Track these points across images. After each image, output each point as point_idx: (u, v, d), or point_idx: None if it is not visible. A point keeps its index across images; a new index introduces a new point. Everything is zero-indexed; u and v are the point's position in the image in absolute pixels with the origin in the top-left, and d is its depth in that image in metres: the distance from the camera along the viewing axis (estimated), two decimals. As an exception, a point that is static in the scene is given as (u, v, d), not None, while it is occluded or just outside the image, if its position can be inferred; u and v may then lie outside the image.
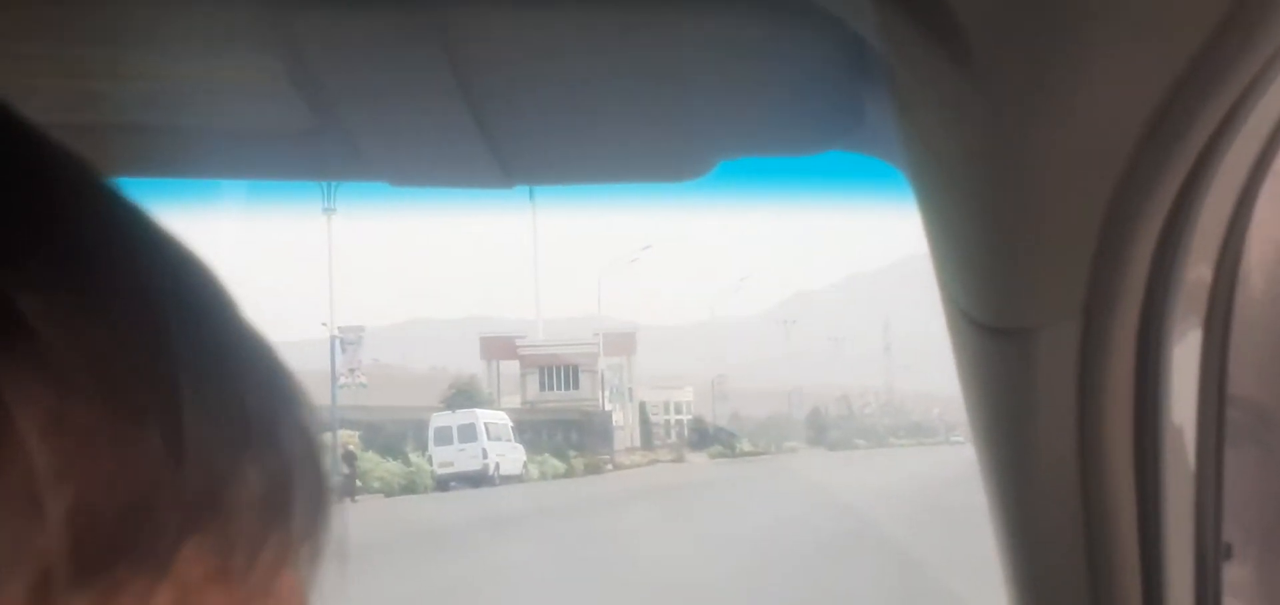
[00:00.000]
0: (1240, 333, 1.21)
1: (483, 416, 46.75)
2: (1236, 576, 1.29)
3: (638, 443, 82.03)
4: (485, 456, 43.29)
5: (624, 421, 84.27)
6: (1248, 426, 1.32)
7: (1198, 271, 1.16)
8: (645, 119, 1.32)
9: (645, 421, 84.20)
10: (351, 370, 44.43)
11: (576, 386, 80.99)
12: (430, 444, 44.73)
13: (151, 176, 1.42)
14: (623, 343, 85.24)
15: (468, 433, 43.98)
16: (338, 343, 43.87)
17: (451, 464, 43.43)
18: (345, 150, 1.35)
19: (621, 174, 1.49)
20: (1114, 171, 1.06)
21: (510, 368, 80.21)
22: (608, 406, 78.23)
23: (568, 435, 63.21)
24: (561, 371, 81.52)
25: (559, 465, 48.67)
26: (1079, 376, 1.17)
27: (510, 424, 47.79)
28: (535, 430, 59.75)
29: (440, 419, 46.16)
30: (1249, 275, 1.29)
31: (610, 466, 53.15)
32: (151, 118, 1.37)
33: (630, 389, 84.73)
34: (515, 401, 76.27)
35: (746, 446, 71.18)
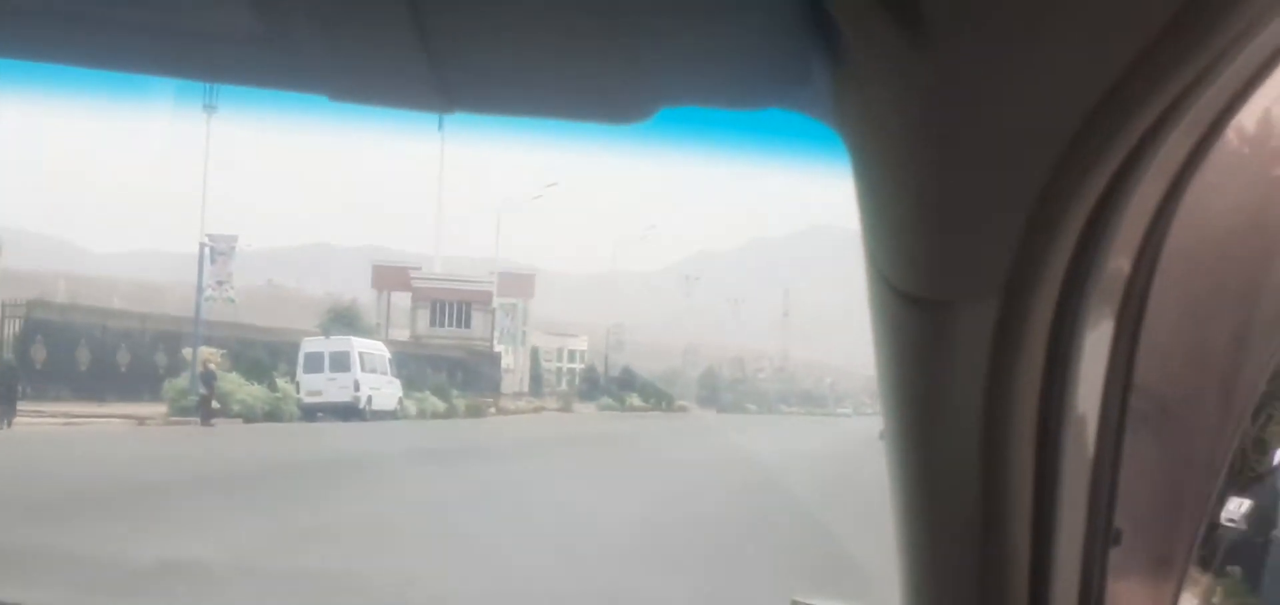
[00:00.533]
0: (1151, 321, 1.24)
1: (358, 345, 43.58)
2: (1122, 560, 1.29)
3: (526, 389, 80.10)
4: (357, 389, 40.37)
5: (514, 365, 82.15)
6: (1146, 415, 1.32)
7: (1118, 263, 1.20)
8: (592, 57, 1.32)
9: (537, 368, 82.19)
10: (220, 283, 41.74)
11: (469, 325, 78.68)
12: (299, 370, 41.24)
13: (93, 68, 1.43)
14: (520, 284, 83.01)
15: (340, 361, 40.86)
16: (207, 251, 41.06)
17: (320, 393, 40.11)
18: (289, 60, 1.36)
19: (563, 110, 1.47)
20: (1049, 157, 1.11)
21: (403, 301, 77.82)
22: (497, 348, 76.06)
23: (453, 374, 60.98)
24: (454, 308, 79.12)
25: (439, 405, 46.44)
26: (992, 354, 1.20)
27: (388, 356, 44.63)
28: (419, 366, 57.47)
29: (311, 344, 42.70)
30: (1169, 262, 1.26)
31: (494, 411, 51.06)
32: (96, 8, 1.33)
33: (524, 332, 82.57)
34: (404, 335, 73.90)
35: (636, 401, 69.37)
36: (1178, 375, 1.42)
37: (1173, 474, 1.47)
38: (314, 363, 40.64)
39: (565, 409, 58.69)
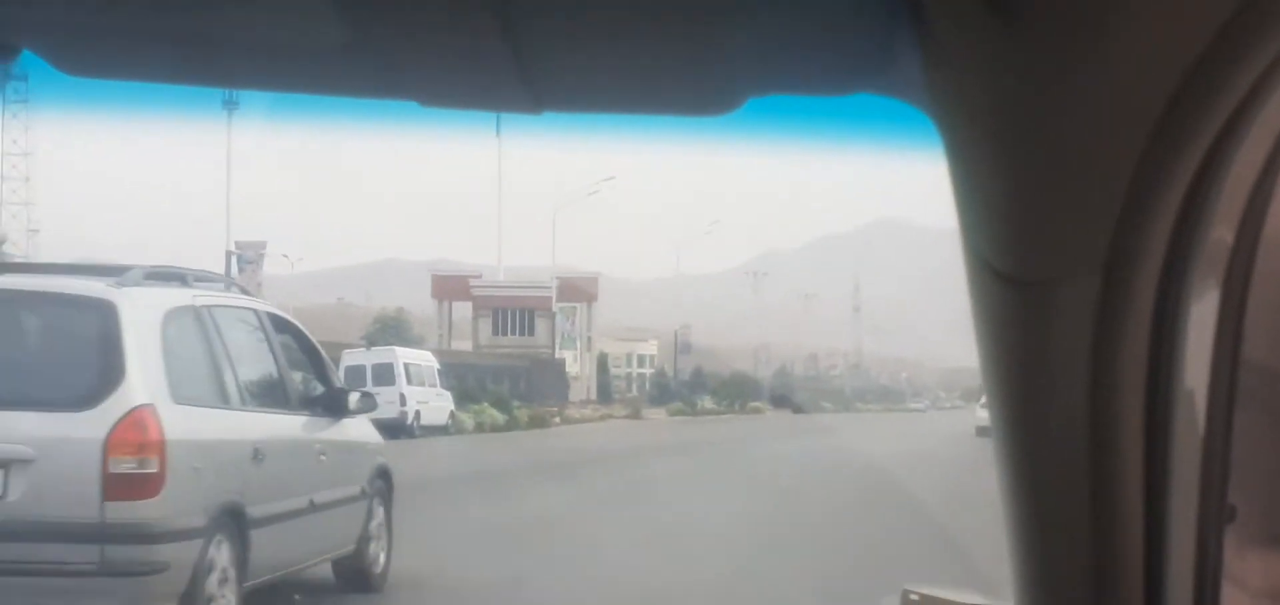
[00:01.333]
0: (1257, 290, 1.21)
1: (402, 356, 39.68)
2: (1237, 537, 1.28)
3: (593, 396, 76.93)
4: (403, 403, 36.44)
5: (581, 372, 78.97)
6: (1255, 388, 1.30)
7: (1220, 233, 1.18)
8: (678, 51, 1.32)
9: (604, 373, 78.84)
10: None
11: (531, 332, 75.58)
12: None
13: (185, 84, 1.43)
14: (583, 288, 79.36)
15: (383, 374, 36.66)
16: (234, 261, 37.42)
17: None
18: (379, 68, 1.37)
19: (651, 105, 1.47)
20: (1144, 129, 1.10)
21: (464, 311, 74.75)
22: (561, 354, 72.73)
23: (516, 384, 57.49)
24: (516, 315, 76.01)
25: (499, 417, 42.92)
26: (1095, 332, 1.18)
27: (437, 367, 40.78)
28: (481, 376, 54.37)
29: (352, 357, 38.54)
30: (1273, 230, 1.26)
31: (558, 420, 47.58)
32: (186, 24, 1.35)
33: (589, 338, 79.26)
34: (466, 345, 70.51)
35: (708, 404, 65.70)
36: None
37: None
38: (355, 377, 35.80)
39: (634, 416, 55.18)
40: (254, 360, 10.09)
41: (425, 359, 40.00)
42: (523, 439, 38.17)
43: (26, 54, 1.41)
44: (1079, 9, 1.06)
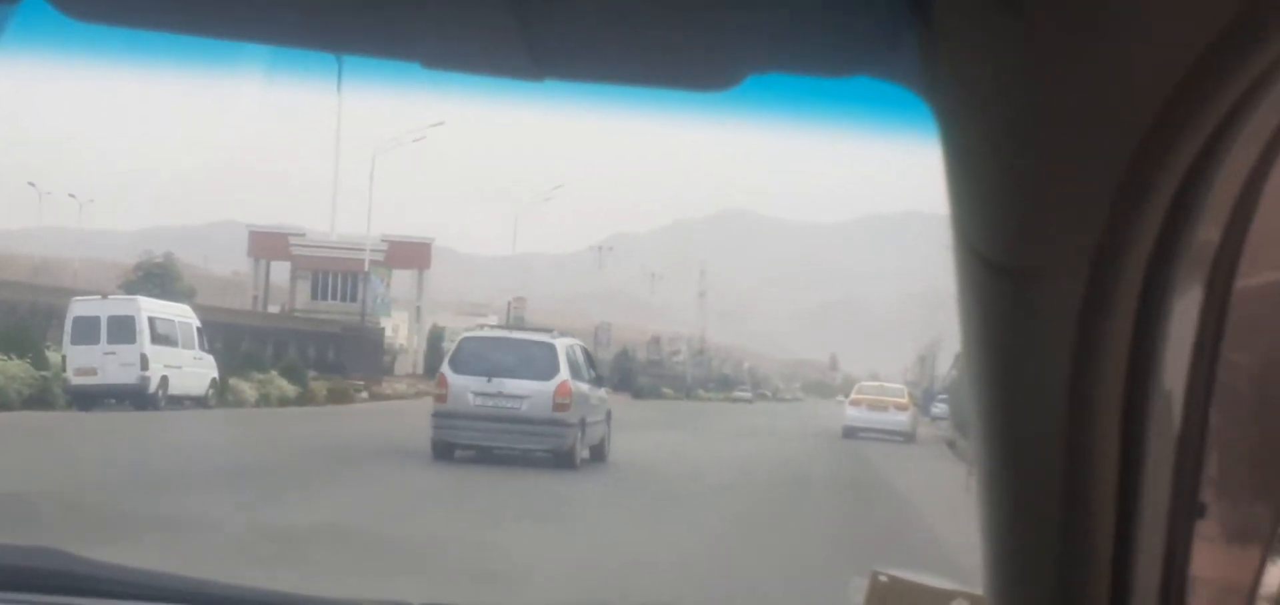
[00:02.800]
0: (1240, 292, 1.23)
1: (147, 308, 31.15)
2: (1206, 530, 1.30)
3: (420, 370, 70.55)
4: (145, 366, 28.97)
5: (408, 344, 72.54)
6: (1233, 387, 1.31)
7: (1207, 233, 1.18)
8: (682, 24, 1.32)
9: (435, 348, 72.46)
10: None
11: (354, 298, 68.74)
12: (66, 341, 29.44)
13: (188, 34, 1.43)
14: (414, 254, 72.59)
15: (121, 329, 28.93)
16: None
17: (93, 372, 28.68)
18: (382, 27, 1.36)
19: (652, 78, 1.46)
20: (1139, 125, 1.10)
21: (284, 272, 67.88)
22: (382, 323, 66.17)
23: (324, 353, 50.86)
24: (339, 279, 69.19)
25: (288, 389, 36.50)
26: (1078, 324, 1.19)
27: (195, 324, 32.63)
28: (284, 342, 47.88)
29: (83, 306, 30.43)
30: (1259, 233, 1.27)
31: (366, 396, 41.40)
32: None
33: (419, 307, 72.78)
34: (275, 308, 63.54)
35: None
36: (1265, 348, 1.40)
37: (1259, 447, 1.45)
38: (85, 331, 28.89)
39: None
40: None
41: (181, 313, 31.95)
42: (307, 418, 31.65)
43: None
44: (1080, 3, 1.07)
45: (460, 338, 24.77)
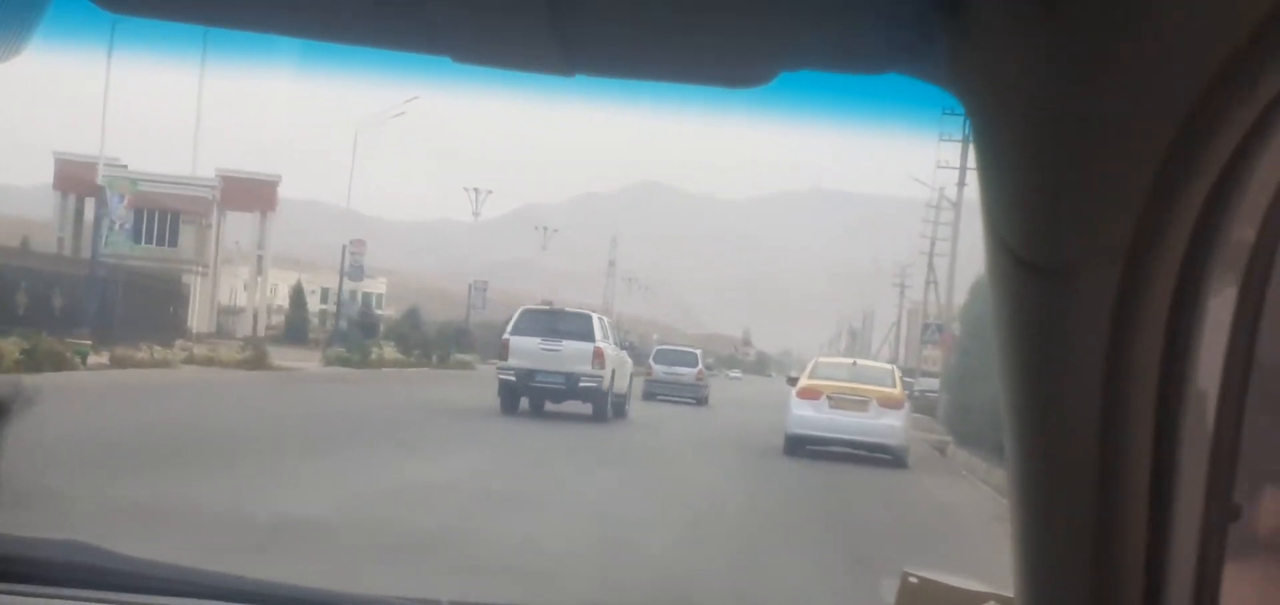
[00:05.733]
0: (1275, 291, 1.20)
1: None
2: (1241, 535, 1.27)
3: (261, 331, 56.39)
4: None
5: (246, 303, 58.40)
6: (1267, 388, 1.28)
7: (1241, 232, 1.16)
8: (714, 21, 1.29)
9: (300, 308, 58.20)
10: None
11: (174, 243, 54.01)
12: None
13: (220, 26, 1.39)
14: (256, 193, 57.54)
15: None
16: None
17: None
18: (414, 21, 1.33)
19: (684, 74, 1.43)
20: (1172, 123, 1.08)
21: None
22: (196, 274, 51.71)
23: (83, 306, 36.57)
24: (155, 218, 54.24)
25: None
26: (1111, 322, 1.15)
27: None
28: (48, 293, 34.07)
29: None
30: None
31: (109, 363, 28.94)
32: None
33: (261, 257, 58.28)
34: (48, 247, 48.84)
35: (390, 353, 45.88)
36: None
37: None
38: None
39: (254, 362, 35.00)
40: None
41: None
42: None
43: None
44: (1115, 2, 1.04)
45: (519, 310, 29.32)
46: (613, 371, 27.13)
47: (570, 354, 26.05)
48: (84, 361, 27.45)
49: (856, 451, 20.97)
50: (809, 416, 21.45)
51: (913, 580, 1.90)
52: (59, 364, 26.04)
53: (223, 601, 2.17)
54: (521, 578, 8.85)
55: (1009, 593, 1.43)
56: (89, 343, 28.83)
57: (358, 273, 52.76)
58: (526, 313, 28.21)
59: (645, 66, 1.42)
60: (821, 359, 28.49)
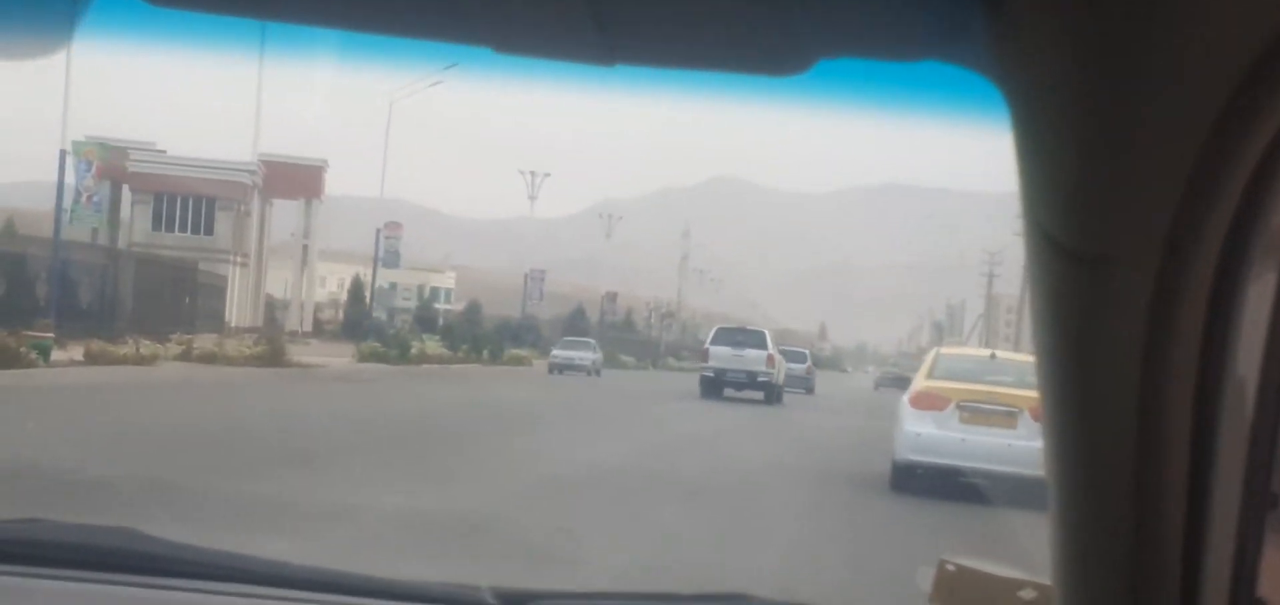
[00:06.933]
0: None
1: None
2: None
3: (308, 327, 52.16)
4: None
5: (291, 296, 54.10)
6: None
7: None
8: (752, 8, 1.27)
9: (358, 302, 53.85)
10: None
11: (210, 231, 49.65)
12: None
13: (260, 18, 1.39)
14: (300, 179, 53.06)
15: None
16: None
17: None
18: (454, 11, 1.33)
19: (723, 63, 1.41)
20: (1212, 111, 1.06)
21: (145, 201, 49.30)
22: (233, 265, 47.43)
23: (139, 297, 32.62)
24: (188, 205, 49.99)
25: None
26: (1151, 310, 1.14)
27: None
28: (77, 284, 32.00)
29: None
30: None
31: (128, 357, 25.52)
32: None
33: (306, 247, 53.87)
34: (82, 236, 44.67)
35: (434, 348, 41.33)
36: None
37: None
38: None
39: (270, 359, 30.42)
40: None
41: None
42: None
43: None
44: None
45: (714, 329, 38.43)
46: (781, 370, 36.23)
47: (749, 358, 34.32)
48: (46, 358, 22.88)
49: (1002, 486, 13.10)
50: (931, 436, 14.12)
51: (950, 568, 1.86)
52: (8, 361, 21.51)
53: (266, 586, 2.15)
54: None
55: (1047, 580, 1.38)
56: (52, 337, 24.25)
57: (394, 259, 48.23)
58: (720, 329, 37.81)
59: (684, 55, 1.38)
60: (944, 350, 18.74)
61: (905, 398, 15.06)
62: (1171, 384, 1.17)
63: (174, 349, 28.29)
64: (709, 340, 36.07)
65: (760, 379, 33.98)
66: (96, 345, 25.31)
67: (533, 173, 74.66)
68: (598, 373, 47.29)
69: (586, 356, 48.75)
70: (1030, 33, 1.12)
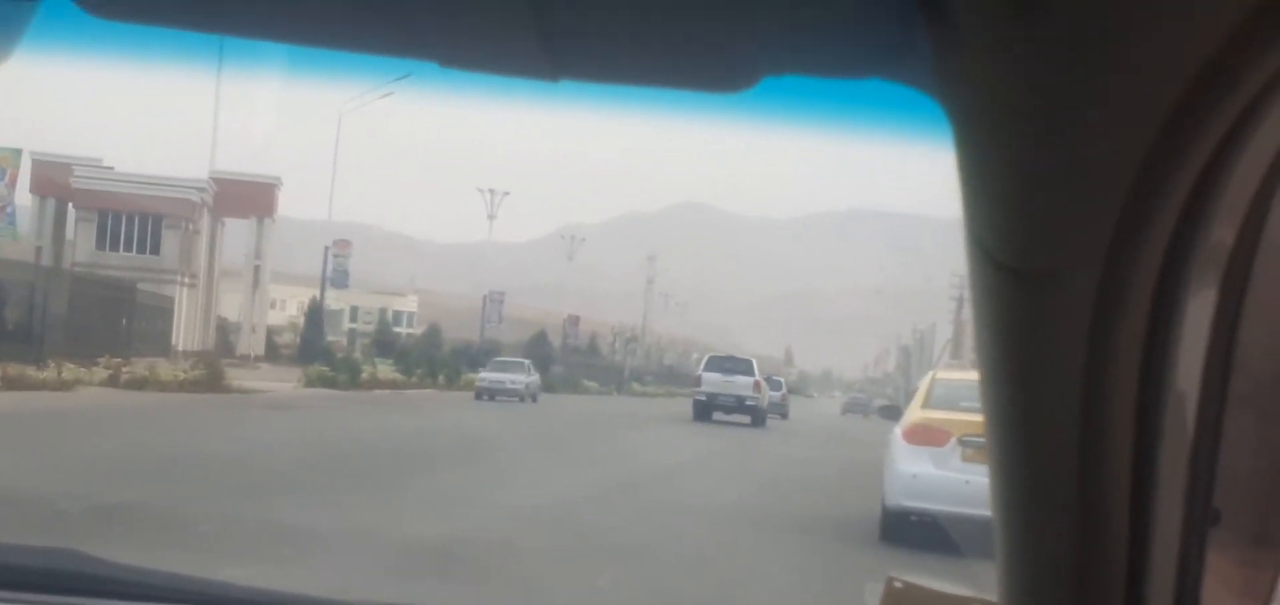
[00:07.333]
0: (1254, 295, 1.19)
1: None
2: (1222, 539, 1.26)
3: (261, 351, 50.37)
4: None
5: (245, 318, 52.19)
6: (1247, 393, 1.26)
7: (1221, 235, 1.15)
8: (698, 25, 1.28)
9: (315, 326, 52.00)
10: None
11: (156, 250, 47.79)
12: None
13: (205, 31, 1.38)
14: (252, 197, 51.20)
15: None
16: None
17: None
18: (399, 25, 1.31)
19: (668, 79, 1.41)
20: (1152, 127, 1.07)
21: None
22: (179, 285, 45.57)
23: (22, 320, 30.69)
24: (135, 224, 48.09)
25: None
26: (1092, 325, 1.15)
27: None
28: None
29: None
30: (1273, 235, 1.23)
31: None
32: None
33: (258, 267, 51.98)
34: (25, 256, 42.61)
35: (388, 373, 39.71)
36: None
37: (1274, 452, 1.37)
38: None
39: (207, 384, 28.64)
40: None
41: None
42: None
43: None
44: (1092, 5, 1.04)
45: (707, 357, 41.63)
46: (765, 395, 39.09)
47: (739, 384, 36.83)
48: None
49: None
50: (929, 477, 12.13)
51: (897, 585, 1.88)
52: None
53: None
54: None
55: (993, 597, 1.38)
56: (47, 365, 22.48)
57: (342, 278, 46.51)
58: (712, 357, 40.34)
59: (629, 71, 1.39)
60: (942, 373, 15.68)
61: (897, 430, 12.89)
62: (1113, 398, 1.14)
63: (100, 373, 26.45)
64: (701, 367, 39.13)
65: (748, 403, 36.78)
66: (13, 369, 23.47)
67: (492, 191, 73.39)
68: (534, 398, 42.22)
69: (518, 380, 42.79)
70: (970, 51, 1.10)
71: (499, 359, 48.67)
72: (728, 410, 36.10)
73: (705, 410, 36.03)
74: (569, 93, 1.41)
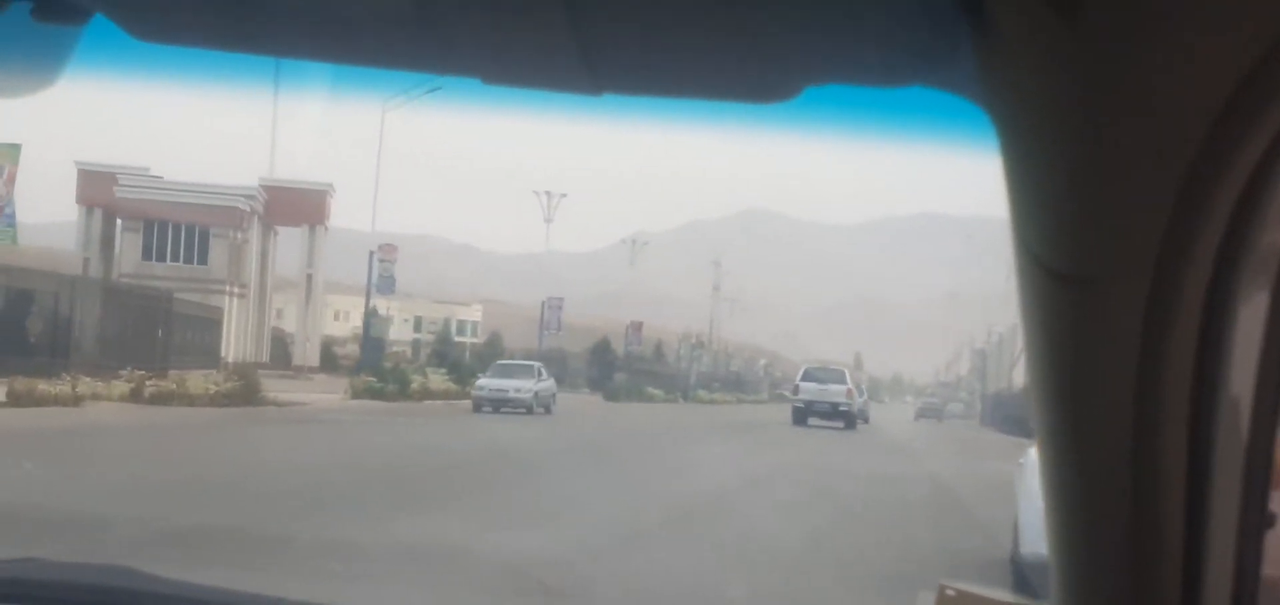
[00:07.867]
0: None
1: None
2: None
3: (316, 361, 48.65)
4: None
5: (300, 329, 50.48)
6: None
7: (1271, 237, 1.14)
8: (739, 37, 1.27)
9: (377, 335, 50.21)
10: None
11: (204, 260, 46.07)
12: None
13: (250, 53, 1.41)
14: (303, 204, 49.30)
15: None
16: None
17: None
18: (442, 43, 1.33)
19: (711, 91, 1.41)
20: (1200, 130, 1.06)
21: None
22: (237, 294, 43.81)
23: (45, 332, 28.77)
24: (181, 233, 46.40)
25: None
26: (1143, 331, 1.15)
27: None
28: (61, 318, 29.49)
29: None
30: None
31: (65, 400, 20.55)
32: None
33: (310, 276, 50.14)
34: (85, 268, 41.16)
35: (437, 383, 37.55)
36: None
37: None
38: None
39: (241, 397, 26.66)
40: None
41: None
42: None
43: (98, 18, 1.37)
44: (1139, 8, 1.02)
45: (804, 367, 45.09)
46: (855, 400, 41.57)
47: (833, 391, 40.36)
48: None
49: None
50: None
51: (950, 593, 1.87)
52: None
53: None
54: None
55: (1047, 604, 1.37)
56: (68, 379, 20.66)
57: (388, 285, 44.55)
58: (808, 369, 43.99)
59: (671, 83, 1.38)
60: None
61: (1033, 454, 9.84)
62: (1166, 403, 1.15)
63: (119, 388, 24.46)
64: (799, 377, 43.18)
65: (841, 408, 39.92)
66: (22, 383, 21.52)
67: (548, 192, 71.20)
68: (546, 409, 35.47)
69: (524, 387, 35.10)
70: (1015, 57, 1.10)
71: (502, 362, 42.13)
72: (824, 416, 39.39)
73: (802, 416, 39.64)
74: (613, 106, 1.39)
